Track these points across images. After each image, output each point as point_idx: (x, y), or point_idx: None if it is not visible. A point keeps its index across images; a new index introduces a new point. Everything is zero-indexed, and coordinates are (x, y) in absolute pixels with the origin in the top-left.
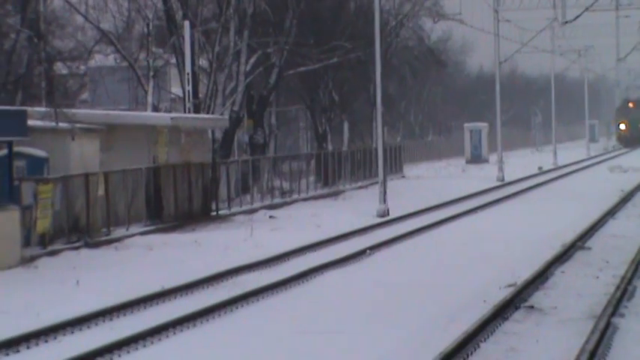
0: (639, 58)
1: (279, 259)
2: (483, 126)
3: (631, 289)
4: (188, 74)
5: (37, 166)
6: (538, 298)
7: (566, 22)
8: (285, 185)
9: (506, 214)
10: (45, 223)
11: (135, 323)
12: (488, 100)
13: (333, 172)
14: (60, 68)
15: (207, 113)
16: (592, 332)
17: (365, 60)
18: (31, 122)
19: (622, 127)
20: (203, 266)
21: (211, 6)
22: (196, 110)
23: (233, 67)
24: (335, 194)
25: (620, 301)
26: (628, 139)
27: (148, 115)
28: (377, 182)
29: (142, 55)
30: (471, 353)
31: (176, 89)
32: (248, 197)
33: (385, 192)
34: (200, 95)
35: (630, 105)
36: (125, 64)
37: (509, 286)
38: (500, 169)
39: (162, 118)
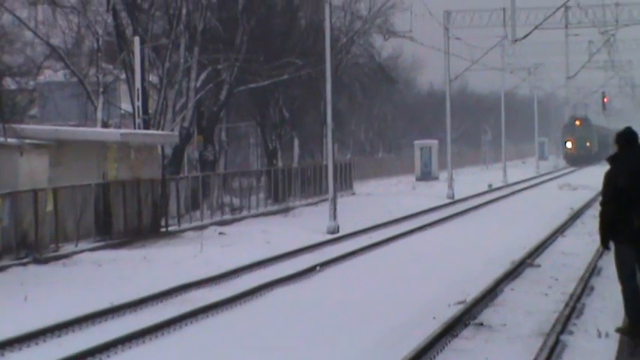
0: (589, 76)
1: (229, 276)
2: (433, 143)
3: (579, 307)
4: (138, 90)
5: None
6: (487, 315)
7: (517, 40)
8: (235, 202)
9: (455, 231)
10: None
11: (83, 340)
12: (439, 118)
13: (283, 189)
14: (9, 83)
15: (157, 129)
16: (541, 349)
17: (315, 77)
18: None
19: (568, 145)
20: (152, 283)
21: (162, 22)
22: (146, 126)
23: (183, 83)
24: (285, 211)
25: (568, 318)
26: (575, 158)
27: (97, 131)
28: (327, 199)
29: (92, 71)
30: None
31: (126, 105)
32: (198, 214)
33: (335, 209)
34: (150, 111)
35: (577, 123)
36: (75, 79)
37: (459, 303)
38: (450, 187)
39: (112, 134)
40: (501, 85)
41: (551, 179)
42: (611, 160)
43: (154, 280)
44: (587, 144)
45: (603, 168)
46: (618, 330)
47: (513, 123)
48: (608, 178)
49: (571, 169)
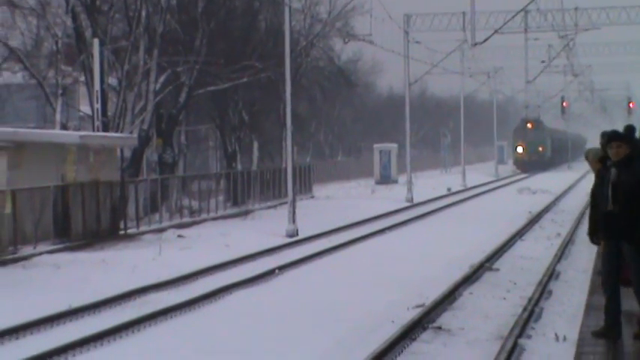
0: (548, 80)
1: (188, 279)
2: (393, 147)
3: (538, 311)
4: (97, 92)
5: None
6: (446, 318)
7: (476, 44)
8: (195, 204)
9: (414, 235)
10: None
11: (42, 342)
12: (398, 121)
13: (242, 192)
14: None
15: (116, 132)
16: (499, 353)
17: (275, 80)
18: None
19: (519, 149)
20: (111, 285)
21: (121, 24)
22: (105, 129)
23: (142, 85)
24: (244, 214)
25: (527, 322)
26: (526, 163)
27: (56, 133)
28: (286, 202)
29: (51, 73)
30: None
31: (85, 107)
32: (157, 216)
33: (294, 212)
34: (109, 114)
35: (529, 125)
36: (33, 81)
37: (418, 306)
38: (410, 190)
39: (71, 136)
40: (461, 89)
41: (510, 183)
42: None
43: (113, 282)
44: (540, 149)
45: (559, 174)
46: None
47: (473, 127)
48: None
49: (524, 175)
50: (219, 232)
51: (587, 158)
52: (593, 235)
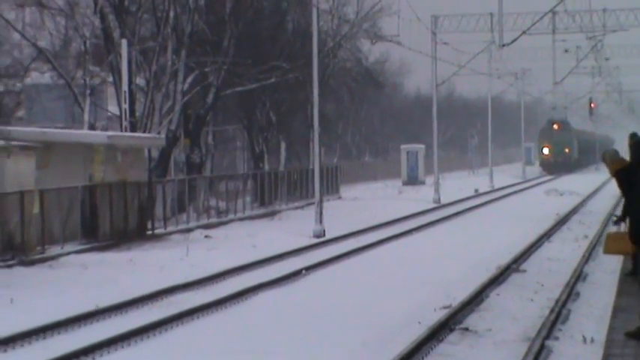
0: (575, 82)
1: (215, 279)
2: (420, 148)
3: (565, 313)
4: (125, 93)
5: None
6: (473, 320)
7: (504, 45)
8: (222, 205)
9: (442, 236)
10: None
11: (69, 342)
12: (426, 122)
13: (269, 193)
14: None
15: (144, 132)
16: (526, 355)
17: (303, 80)
18: None
19: (545, 151)
20: (138, 285)
21: (149, 25)
22: (133, 129)
23: (170, 86)
24: (271, 214)
25: (554, 324)
26: (552, 165)
27: (84, 134)
28: (313, 203)
29: (79, 73)
30: None
31: (113, 108)
32: (184, 217)
33: (321, 213)
34: (137, 114)
35: (555, 127)
36: (62, 81)
37: (444, 308)
38: (437, 191)
39: (99, 136)
40: (488, 90)
41: (537, 184)
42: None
43: (140, 282)
44: (566, 150)
45: (585, 176)
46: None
47: (500, 128)
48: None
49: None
50: (247, 233)
51: (604, 160)
52: (621, 220)
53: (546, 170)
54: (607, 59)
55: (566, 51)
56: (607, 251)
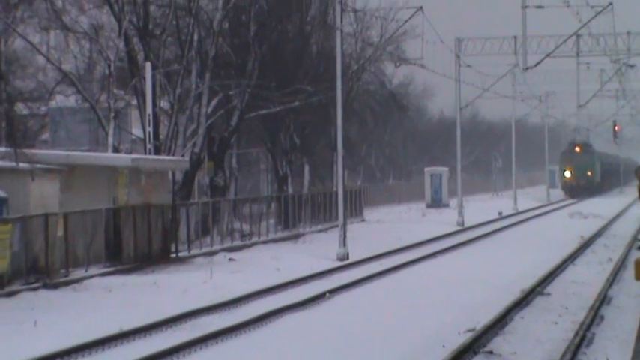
0: (600, 105)
1: (239, 302)
2: (444, 170)
3: (589, 336)
4: (149, 116)
5: None
6: (497, 343)
7: (527, 68)
8: (245, 228)
9: (465, 258)
10: (3, 263)
11: None
12: (449, 145)
13: (293, 215)
14: (21, 108)
15: (168, 155)
16: None
17: (326, 103)
18: None
19: (567, 174)
20: (162, 308)
21: (173, 48)
22: (157, 152)
23: (194, 109)
24: (295, 237)
25: (578, 347)
26: (574, 189)
27: (108, 157)
28: (337, 226)
29: (104, 96)
30: None
31: (137, 131)
32: (208, 239)
33: (345, 235)
34: (161, 137)
35: (577, 149)
36: (86, 104)
37: (469, 330)
38: (461, 214)
39: (123, 159)
40: (512, 113)
41: (561, 207)
42: None
43: (164, 305)
44: (589, 173)
45: (609, 200)
46: None
47: (524, 151)
48: None
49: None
50: (270, 256)
51: (636, 174)
52: None
53: (568, 194)
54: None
55: (587, 68)
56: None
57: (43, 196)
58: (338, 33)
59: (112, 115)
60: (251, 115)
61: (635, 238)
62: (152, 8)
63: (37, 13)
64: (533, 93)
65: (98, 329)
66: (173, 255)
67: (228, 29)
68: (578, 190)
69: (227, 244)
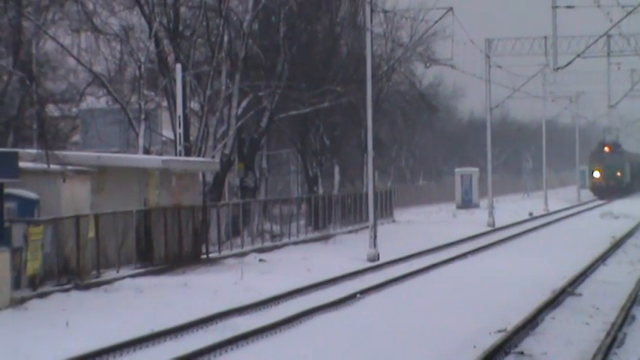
0: (631, 105)
1: (270, 303)
2: (474, 171)
3: (621, 336)
4: (179, 117)
5: (27, 207)
6: (528, 343)
7: (558, 69)
8: (276, 229)
9: (496, 259)
10: (35, 264)
11: None
12: (480, 146)
13: (323, 216)
14: (52, 110)
15: (198, 156)
16: None
17: (356, 104)
18: (22, 164)
19: (596, 174)
20: (193, 309)
21: (203, 49)
22: (187, 153)
23: (224, 110)
24: (325, 238)
25: (610, 347)
26: (603, 189)
27: (139, 158)
28: (367, 226)
29: (134, 98)
30: None
31: (167, 132)
32: (238, 240)
33: (376, 236)
34: (191, 138)
35: (606, 149)
36: (117, 106)
37: (499, 331)
38: (491, 215)
39: (154, 160)
40: (543, 114)
41: (592, 208)
42: None
43: (195, 306)
44: (618, 174)
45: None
46: None
47: (555, 151)
48: None
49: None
50: (301, 257)
51: None
52: None
53: (597, 194)
54: None
55: (618, 68)
56: None
57: (74, 197)
58: (368, 34)
59: (143, 116)
60: (281, 116)
61: None
62: (182, 10)
63: (67, 15)
64: (563, 93)
65: (129, 330)
66: (204, 256)
67: (258, 30)
68: (607, 191)
69: (257, 245)
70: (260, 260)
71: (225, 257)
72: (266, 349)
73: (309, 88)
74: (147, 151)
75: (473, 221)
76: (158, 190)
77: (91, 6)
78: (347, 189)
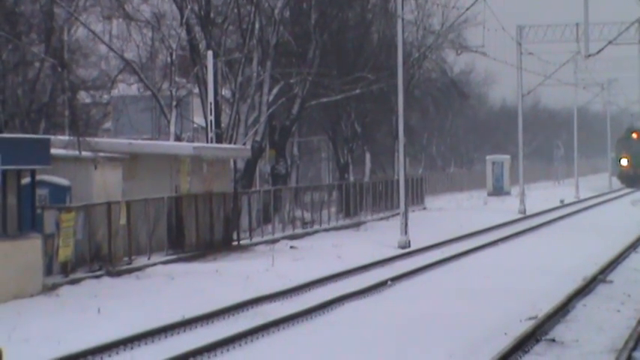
0: None
1: (301, 290)
2: (505, 158)
3: None
4: (211, 104)
5: (59, 194)
6: (559, 331)
7: (590, 56)
8: (307, 216)
9: (527, 246)
10: (67, 251)
11: (155, 352)
12: (511, 133)
13: (354, 203)
14: (83, 97)
15: (230, 143)
16: None
17: (387, 91)
18: (54, 151)
19: (623, 162)
20: (224, 296)
21: (235, 36)
22: (219, 140)
23: (256, 97)
24: (356, 225)
25: None
26: (631, 178)
27: (170, 145)
28: (398, 213)
29: (165, 85)
30: None
31: (199, 119)
32: (269, 227)
33: (407, 223)
34: (222, 125)
35: (634, 136)
36: (148, 93)
37: (531, 318)
38: (522, 202)
39: (185, 147)
40: (574, 101)
41: (623, 195)
42: None
43: (226, 293)
44: None
45: None
46: None
47: (586, 138)
48: None
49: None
50: (332, 244)
51: None
52: None
53: (624, 182)
54: None
55: None
56: None
57: (106, 184)
58: (399, 21)
59: (174, 103)
60: (312, 103)
61: None
62: None
63: (99, 2)
64: (595, 80)
65: (161, 317)
66: (235, 243)
67: (290, 17)
68: (635, 179)
69: (288, 232)
70: (291, 247)
71: (256, 244)
72: (296, 335)
73: (340, 75)
74: (178, 138)
75: (504, 209)
76: (189, 177)
77: None
78: (378, 176)
